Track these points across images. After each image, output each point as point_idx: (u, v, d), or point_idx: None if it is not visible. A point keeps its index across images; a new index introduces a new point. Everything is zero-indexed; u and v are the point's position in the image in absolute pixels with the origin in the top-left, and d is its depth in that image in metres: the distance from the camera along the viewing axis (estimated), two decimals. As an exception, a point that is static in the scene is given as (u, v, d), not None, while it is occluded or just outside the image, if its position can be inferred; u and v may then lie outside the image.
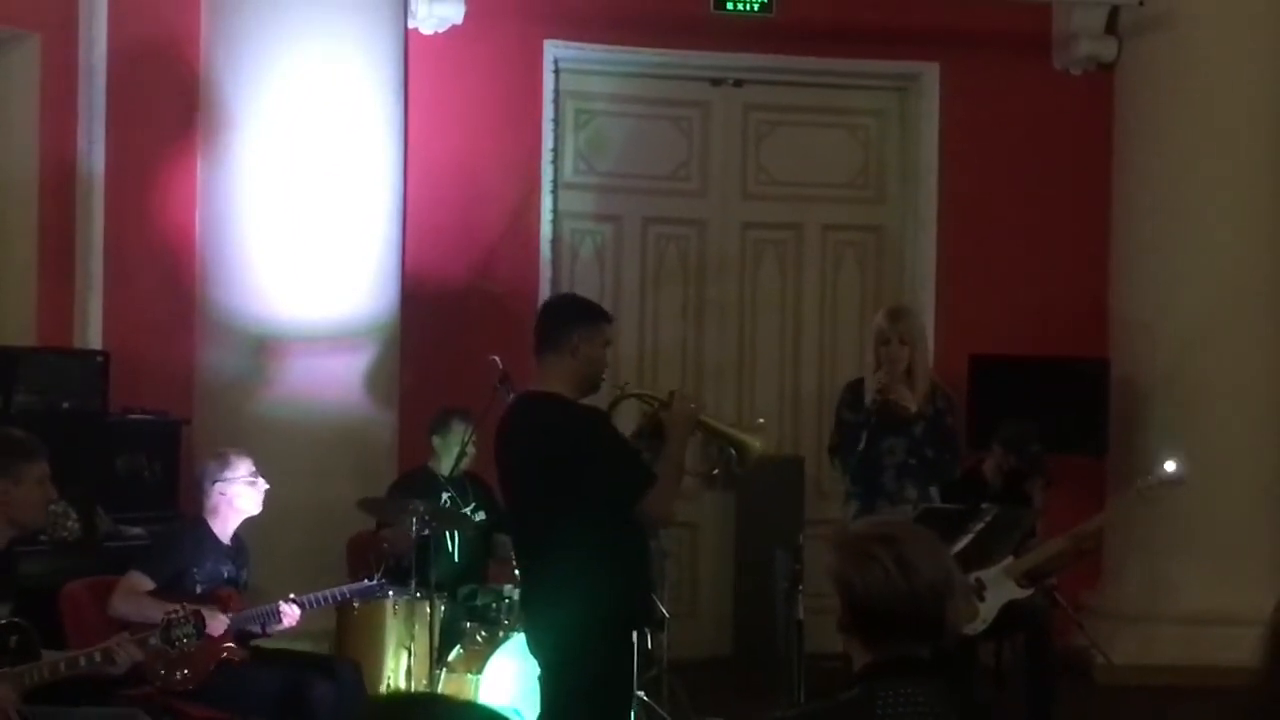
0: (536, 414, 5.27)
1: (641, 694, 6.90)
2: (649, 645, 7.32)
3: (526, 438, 5.25)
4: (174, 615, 5.49)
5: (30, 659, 5.07)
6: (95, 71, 8.14)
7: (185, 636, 5.49)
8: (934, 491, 7.19)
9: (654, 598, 7.25)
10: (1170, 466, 7.56)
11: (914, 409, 7.13)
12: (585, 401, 5.34)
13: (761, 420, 6.24)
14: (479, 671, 6.94)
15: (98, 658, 5.17)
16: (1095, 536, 7.75)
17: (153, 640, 5.45)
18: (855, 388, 7.39)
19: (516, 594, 7.00)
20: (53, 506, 6.69)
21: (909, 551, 3.11)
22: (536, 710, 5.41)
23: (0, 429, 5.54)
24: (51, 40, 8.08)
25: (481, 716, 2.36)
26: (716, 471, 5.80)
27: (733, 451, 5.60)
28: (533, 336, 5.34)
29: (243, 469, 6.52)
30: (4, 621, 5.11)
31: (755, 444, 5.54)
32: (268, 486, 6.55)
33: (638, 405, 5.58)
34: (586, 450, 5.14)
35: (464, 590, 7.41)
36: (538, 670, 5.34)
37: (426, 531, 6.99)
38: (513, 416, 5.42)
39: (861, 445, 7.14)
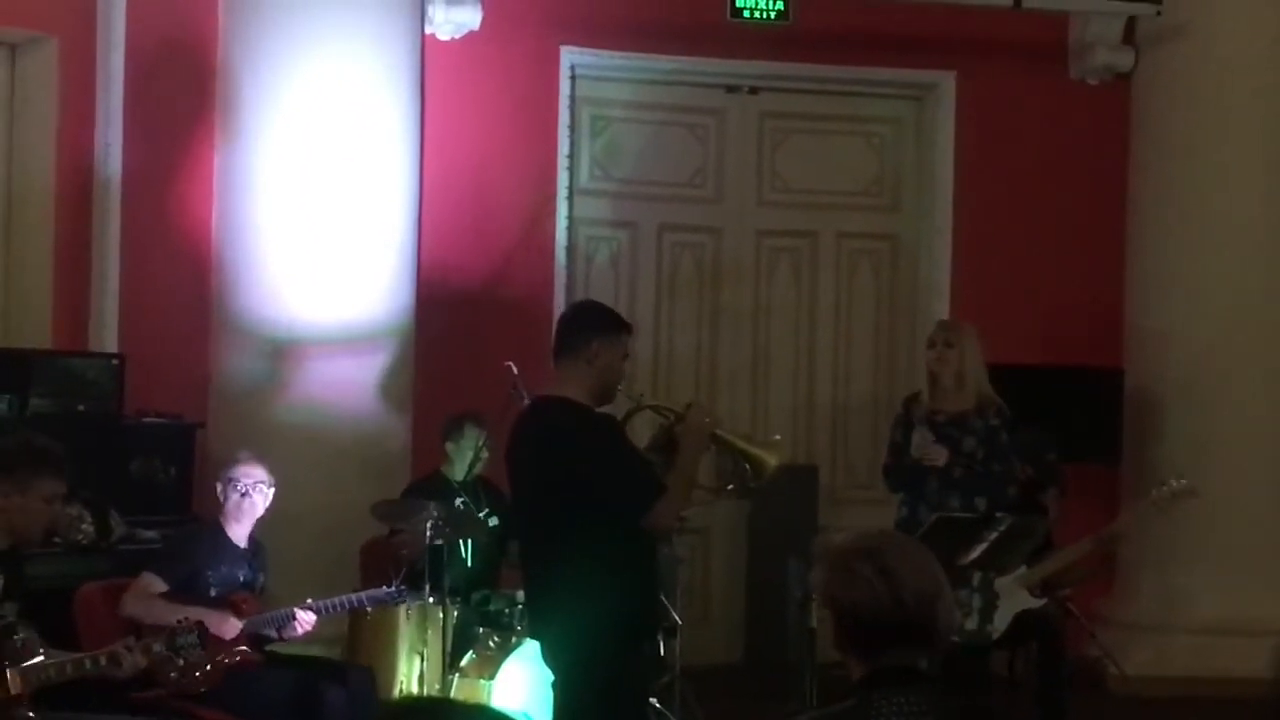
0: (548, 417, 5.24)
1: (653, 701, 6.89)
2: (661, 652, 7.32)
3: (537, 440, 5.22)
4: (177, 625, 5.49)
5: (32, 659, 5.07)
6: (113, 75, 8.16)
7: (188, 646, 5.49)
8: (981, 503, 7.11)
9: (666, 604, 7.26)
10: (1184, 479, 7.56)
11: (941, 464, 7.11)
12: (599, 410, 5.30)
13: (778, 436, 6.15)
14: (491, 677, 6.94)
15: (103, 661, 5.16)
16: (1112, 543, 7.73)
17: (156, 648, 5.46)
18: (909, 403, 7.39)
19: (529, 599, 7.00)
20: (67, 509, 6.70)
21: (892, 561, 3.11)
22: (549, 717, 5.40)
23: (32, 436, 5.40)
24: (69, 43, 8.10)
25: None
26: (731, 487, 5.67)
27: (747, 467, 5.51)
28: (552, 340, 5.31)
29: (232, 473, 6.53)
30: (8, 620, 5.11)
31: (771, 461, 5.44)
32: (259, 496, 6.53)
33: (652, 417, 5.53)
34: (596, 455, 5.10)
35: (477, 595, 7.41)
36: (551, 677, 5.31)
37: (440, 541, 6.98)
38: (525, 420, 5.40)
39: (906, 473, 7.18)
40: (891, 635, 3.10)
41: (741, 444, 5.53)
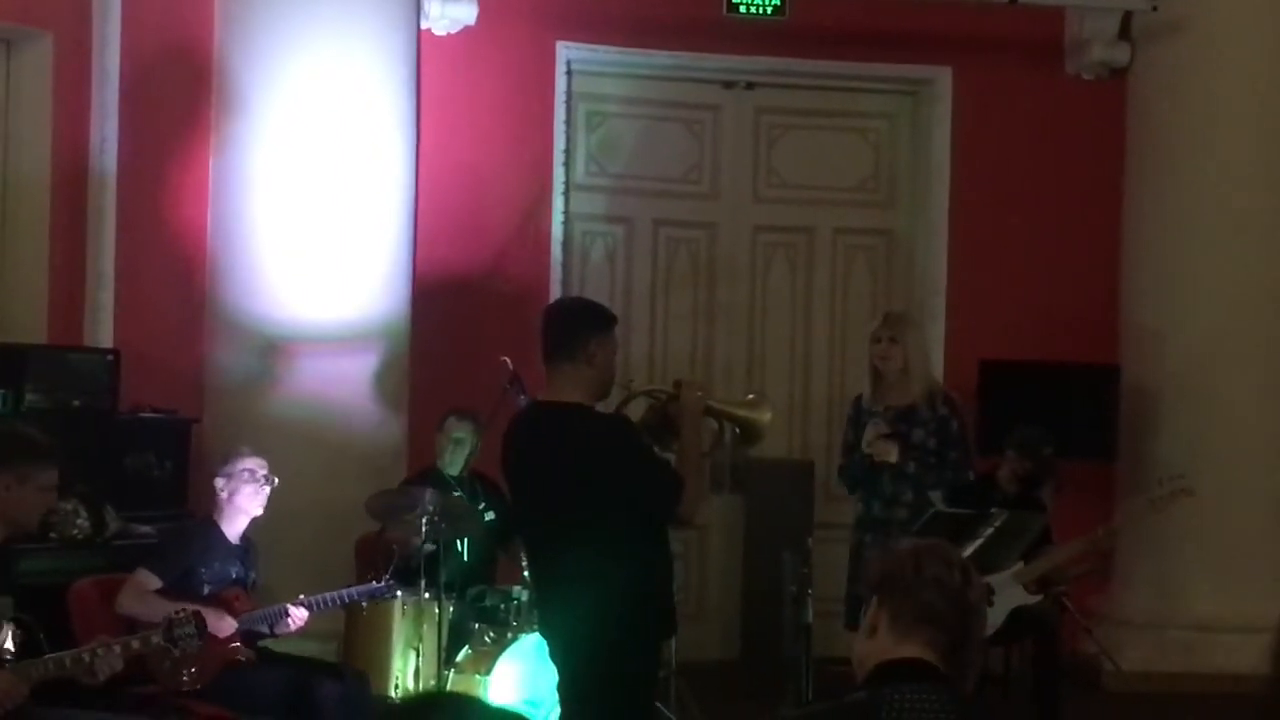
0: (563, 425, 5.10)
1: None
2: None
3: (555, 448, 5.08)
4: (175, 616, 5.49)
5: (33, 655, 5.06)
6: (108, 70, 8.14)
7: (186, 637, 5.49)
8: (936, 495, 7.13)
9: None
10: (1182, 476, 7.56)
11: (894, 460, 7.09)
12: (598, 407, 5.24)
13: (752, 395, 6.11)
14: (487, 673, 6.93)
15: (100, 652, 5.15)
16: (1109, 542, 7.74)
17: (154, 639, 5.45)
18: (858, 403, 7.41)
19: (525, 595, 7.00)
20: (62, 504, 6.70)
21: (970, 567, 3.14)
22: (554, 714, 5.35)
23: (23, 428, 5.49)
24: (65, 39, 8.09)
25: (505, 718, 2.36)
26: (708, 451, 5.59)
27: (736, 430, 5.49)
28: (543, 341, 5.18)
29: (242, 465, 6.50)
30: (9, 617, 5.11)
31: (765, 418, 5.45)
32: (269, 487, 6.51)
33: (643, 402, 5.48)
34: (626, 461, 5.02)
35: (472, 591, 7.40)
36: (555, 677, 5.25)
37: (432, 544, 6.96)
38: (531, 427, 5.25)
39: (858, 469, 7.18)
40: (937, 620, 3.08)
41: (734, 411, 5.52)
